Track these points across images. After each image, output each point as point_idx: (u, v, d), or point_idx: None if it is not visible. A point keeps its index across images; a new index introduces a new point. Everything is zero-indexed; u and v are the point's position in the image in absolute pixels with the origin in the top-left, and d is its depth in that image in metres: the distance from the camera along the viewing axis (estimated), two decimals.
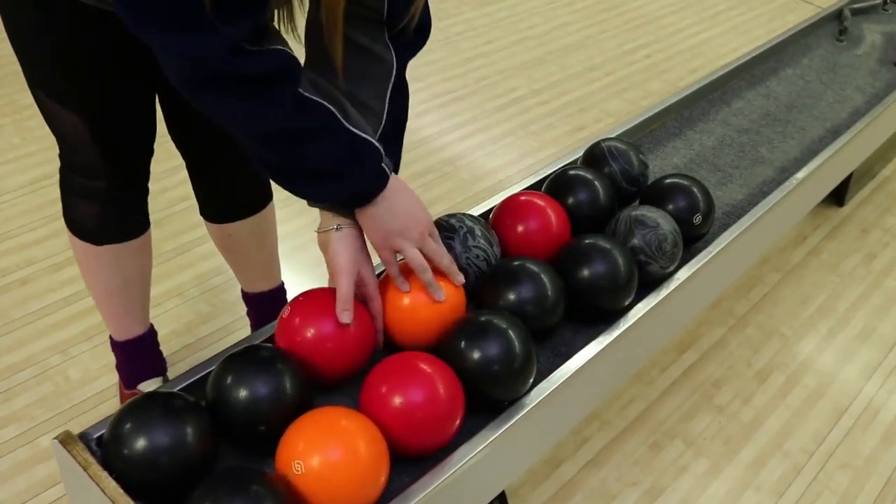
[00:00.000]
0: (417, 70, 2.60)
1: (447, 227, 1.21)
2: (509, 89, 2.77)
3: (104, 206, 1.28)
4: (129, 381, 1.53)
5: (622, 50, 3.09)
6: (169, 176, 2.10)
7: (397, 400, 0.98)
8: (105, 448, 0.94)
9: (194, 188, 1.45)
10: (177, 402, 0.96)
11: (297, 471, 0.90)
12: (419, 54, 1.12)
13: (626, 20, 3.32)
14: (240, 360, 1.01)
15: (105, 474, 0.91)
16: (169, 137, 1.35)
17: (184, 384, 1.07)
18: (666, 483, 1.52)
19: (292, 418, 0.96)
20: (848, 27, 2.27)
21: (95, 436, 0.98)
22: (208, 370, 1.05)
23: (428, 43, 1.10)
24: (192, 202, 1.46)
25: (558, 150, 2.47)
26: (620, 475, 1.52)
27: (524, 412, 1.07)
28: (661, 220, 1.29)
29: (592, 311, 1.24)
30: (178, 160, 1.39)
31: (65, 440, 0.95)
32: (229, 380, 0.99)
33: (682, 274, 1.33)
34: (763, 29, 3.32)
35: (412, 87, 1.12)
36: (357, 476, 0.91)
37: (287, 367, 1.01)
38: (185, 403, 0.96)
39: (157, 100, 1.26)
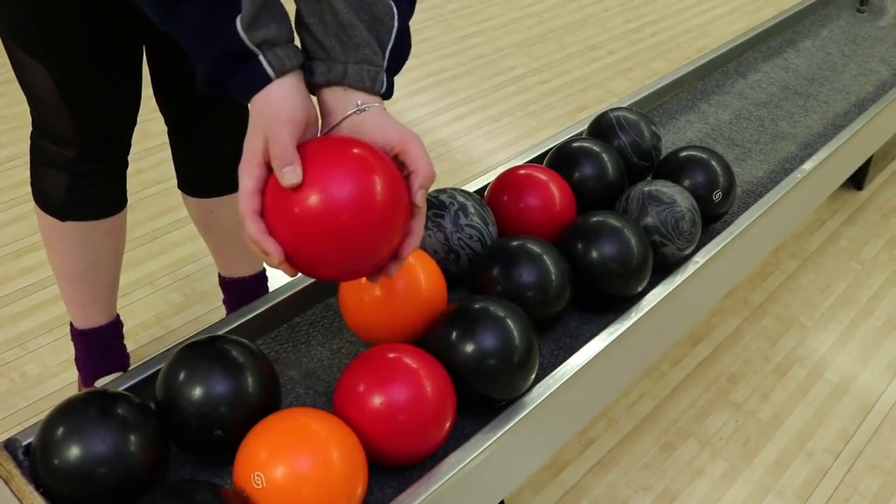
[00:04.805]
0: None
1: (436, 204, 1.13)
2: (507, 68, 2.72)
3: (74, 177, 1.20)
4: (87, 377, 1.44)
5: (626, 28, 3.05)
6: (144, 157, 2.02)
7: (377, 400, 0.88)
8: (33, 458, 0.83)
9: (175, 157, 1.36)
10: (118, 402, 0.85)
11: (258, 485, 0.80)
12: (412, 32, 0.97)
13: None
14: (194, 352, 0.90)
15: (30, 489, 0.81)
16: (146, 118, 1.28)
17: (133, 381, 0.97)
18: (679, 487, 1.44)
19: (254, 422, 0.86)
20: None
21: (24, 443, 0.87)
22: (162, 365, 0.94)
23: (422, 21, 0.96)
24: (166, 185, 1.36)
25: (558, 131, 2.38)
26: (629, 479, 1.45)
27: (525, 413, 0.99)
28: (677, 197, 1.21)
29: (601, 297, 1.16)
30: (154, 140, 1.30)
31: None
32: (181, 376, 0.88)
33: (701, 257, 1.25)
34: (773, 8, 3.28)
35: (405, 65, 0.96)
36: (328, 490, 0.81)
37: (249, 361, 0.90)
38: (128, 404, 0.86)
39: (143, 69, 1.19)
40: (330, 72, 0.81)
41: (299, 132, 0.77)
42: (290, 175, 0.75)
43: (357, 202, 0.75)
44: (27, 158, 1.24)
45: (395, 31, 0.82)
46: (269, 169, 0.78)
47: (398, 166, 0.81)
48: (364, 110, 0.81)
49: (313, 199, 0.74)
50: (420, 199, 0.81)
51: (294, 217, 0.75)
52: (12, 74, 1.14)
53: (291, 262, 0.77)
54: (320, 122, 0.83)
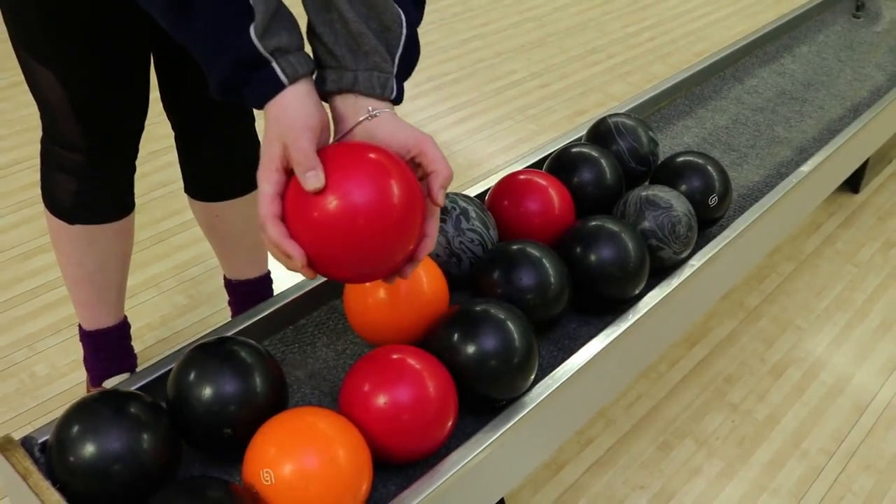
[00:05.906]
0: None
1: None
2: (507, 72, 2.73)
3: (81, 182, 1.21)
4: (95, 378, 1.45)
5: (625, 32, 3.06)
6: (149, 160, 2.03)
7: (381, 400, 0.89)
8: (49, 455, 0.85)
9: (182, 161, 1.36)
10: (131, 402, 0.87)
11: (266, 481, 0.81)
12: None
13: (630, 1, 3.28)
14: (204, 353, 0.91)
15: (47, 484, 0.82)
16: (152, 121, 1.28)
17: (143, 382, 0.99)
18: (676, 486, 1.45)
19: (262, 420, 0.87)
20: (865, 3, 2.18)
21: (40, 441, 0.88)
22: (172, 366, 0.95)
23: (423, 24, 0.97)
24: (172, 188, 1.37)
25: (558, 134, 2.39)
26: (627, 478, 1.46)
27: (524, 412, 1.00)
28: (674, 201, 1.22)
29: (599, 300, 1.16)
30: (159, 143, 1.31)
31: (4, 445, 0.86)
32: (192, 376, 0.89)
33: (697, 260, 1.25)
34: (772, 12, 3.28)
35: None
36: (335, 486, 0.82)
37: (257, 362, 0.91)
38: (141, 404, 0.87)
39: (150, 76, 1.20)
40: (341, 79, 0.83)
41: (317, 137, 0.78)
42: (313, 180, 0.76)
43: (377, 206, 0.76)
44: (34, 161, 1.25)
45: (403, 37, 0.84)
46: (287, 174, 0.79)
47: (414, 168, 0.83)
48: (375, 116, 0.82)
49: (334, 203, 0.76)
50: (441, 198, 0.82)
51: (314, 221, 0.76)
52: (18, 78, 1.15)
53: (311, 265, 0.79)
54: (332, 128, 0.85)
